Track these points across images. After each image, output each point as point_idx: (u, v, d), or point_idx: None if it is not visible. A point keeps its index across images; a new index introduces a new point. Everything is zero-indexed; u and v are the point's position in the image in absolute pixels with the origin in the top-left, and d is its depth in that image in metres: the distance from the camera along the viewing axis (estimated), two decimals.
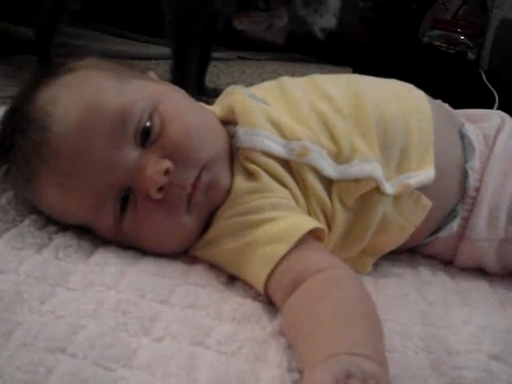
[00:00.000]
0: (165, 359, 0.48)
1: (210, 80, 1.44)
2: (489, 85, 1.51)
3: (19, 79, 1.29)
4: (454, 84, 1.42)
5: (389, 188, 0.64)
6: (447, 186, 0.68)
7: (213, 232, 0.63)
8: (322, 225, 0.61)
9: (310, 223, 0.59)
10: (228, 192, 0.63)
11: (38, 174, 0.62)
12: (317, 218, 0.63)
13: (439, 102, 0.76)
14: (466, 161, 0.69)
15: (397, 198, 0.65)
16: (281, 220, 0.59)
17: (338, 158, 0.64)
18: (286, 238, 0.58)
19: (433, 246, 0.71)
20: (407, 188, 0.65)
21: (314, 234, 0.60)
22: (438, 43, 1.85)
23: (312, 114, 0.66)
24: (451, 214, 0.69)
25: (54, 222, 0.66)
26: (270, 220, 0.60)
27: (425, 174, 0.66)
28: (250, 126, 0.64)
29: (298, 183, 0.64)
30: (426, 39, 1.88)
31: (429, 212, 0.66)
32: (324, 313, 0.50)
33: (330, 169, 0.64)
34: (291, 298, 0.54)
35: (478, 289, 0.66)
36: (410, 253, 0.72)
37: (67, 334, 0.49)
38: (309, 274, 0.55)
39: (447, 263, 0.71)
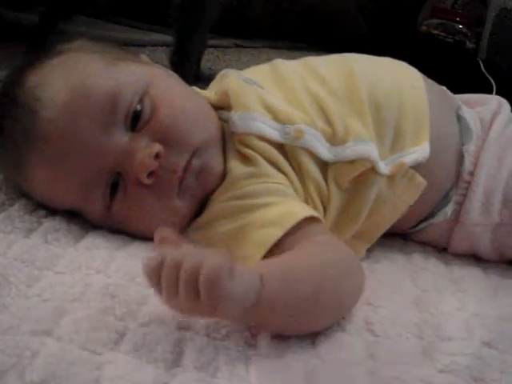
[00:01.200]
0: (152, 343, 0.48)
1: (206, 67, 1.43)
2: (487, 74, 1.50)
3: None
4: (452, 73, 1.41)
5: (383, 168, 0.64)
6: (443, 167, 0.68)
7: (207, 215, 0.62)
8: (317, 213, 0.60)
9: (305, 211, 0.59)
10: (220, 176, 0.62)
11: (27, 159, 0.61)
12: (314, 202, 0.62)
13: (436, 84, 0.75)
14: (462, 144, 0.69)
15: (391, 177, 0.65)
16: (276, 206, 0.59)
17: (333, 139, 0.64)
18: (281, 223, 0.57)
19: (426, 233, 0.70)
20: (402, 166, 0.64)
21: (309, 222, 0.59)
22: (436, 32, 1.83)
23: (306, 96, 0.65)
24: (445, 199, 0.68)
25: (44, 206, 0.65)
26: (266, 205, 0.59)
27: (420, 150, 0.65)
28: (245, 111, 0.63)
29: (293, 168, 0.63)
30: (424, 28, 1.87)
31: (423, 192, 0.66)
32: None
33: (325, 151, 0.63)
34: None
35: (472, 276, 0.66)
36: (404, 240, 0.72)
37: (53, 317, 0.49)
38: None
39: (441, 250, 0.71)
